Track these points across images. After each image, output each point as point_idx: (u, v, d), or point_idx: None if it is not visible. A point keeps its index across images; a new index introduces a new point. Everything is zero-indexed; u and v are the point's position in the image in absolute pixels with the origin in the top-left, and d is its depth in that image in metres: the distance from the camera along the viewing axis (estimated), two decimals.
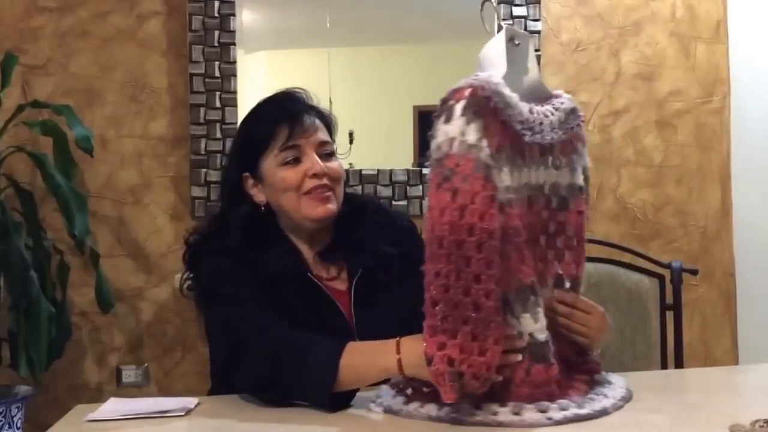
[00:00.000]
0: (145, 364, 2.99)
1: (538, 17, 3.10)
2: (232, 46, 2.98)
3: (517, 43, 1.42)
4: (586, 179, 1.48)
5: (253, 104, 1.75)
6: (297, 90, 1.75)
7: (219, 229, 1.66)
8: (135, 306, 2.97)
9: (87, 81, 2.97)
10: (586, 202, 1.48)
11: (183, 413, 1.42)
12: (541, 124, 1.39)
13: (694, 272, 2.32)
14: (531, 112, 1.38)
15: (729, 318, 3.27)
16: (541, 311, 1.35)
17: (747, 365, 3.02)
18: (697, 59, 3.26)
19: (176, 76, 3.00)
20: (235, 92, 2.97)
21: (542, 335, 1.33)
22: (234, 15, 2.99)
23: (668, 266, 2.25)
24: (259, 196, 1.68)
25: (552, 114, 1.41)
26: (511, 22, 3.03)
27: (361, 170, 3.04)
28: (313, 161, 1.64)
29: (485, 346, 1.27)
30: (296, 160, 1.64)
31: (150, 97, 3.00)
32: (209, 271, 1.62)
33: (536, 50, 3.05)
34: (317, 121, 1.69)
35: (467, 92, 1.29)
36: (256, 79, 3.14)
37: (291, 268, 1.64)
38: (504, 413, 1.30)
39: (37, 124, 2.70)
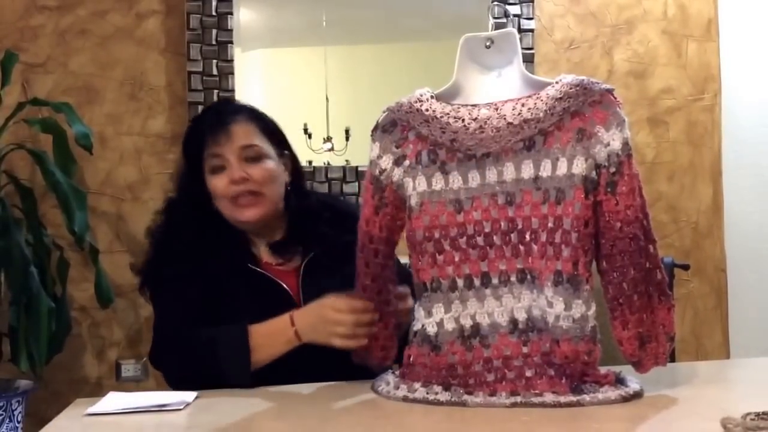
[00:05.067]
0: (144, 359, 2.99)
1: (531, 16, 3.12)
2: (229, 45, 3.01)
3: (488, 45, 1.45)
4: (623, 154, 1.35)
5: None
6: (229, 99, 1.79)
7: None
8: (134, 301, 2.98)
9: (86, 79, 2.99)
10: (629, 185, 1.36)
11: (181, 407, 1.42)
12: (482, 126, 1.39)
13: (685, 267, 2.32)
14: (472, 116, 1.39)
15: (720, 313, 3.30)
16: (438, 307, 1.41)
17: (738, 359, 3.04)
18: (688, 57, 3.29)
19: (174, 74, 3.02)
20: (232, 90, 2.99)
21: (432, 328, 1.41)
22: (231, 13, 3.02)
23: None
24: None
25: (516, 108, 1.38)
26: (505, 20, 3.06)
27: (357, 167, 3.07)
28: (233, 169, 1.65)
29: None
30: (221, 168, 1.66)
31: (148, 94, 3.02)
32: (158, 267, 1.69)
33: (529, 48, 3.09)
34: (245, 125, 1.68)
35: (382, 114, 1.48)
36: (253, 77, 3.16)
37: (232, 262, 1.66)
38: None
39: (37, 122, 2.73)
